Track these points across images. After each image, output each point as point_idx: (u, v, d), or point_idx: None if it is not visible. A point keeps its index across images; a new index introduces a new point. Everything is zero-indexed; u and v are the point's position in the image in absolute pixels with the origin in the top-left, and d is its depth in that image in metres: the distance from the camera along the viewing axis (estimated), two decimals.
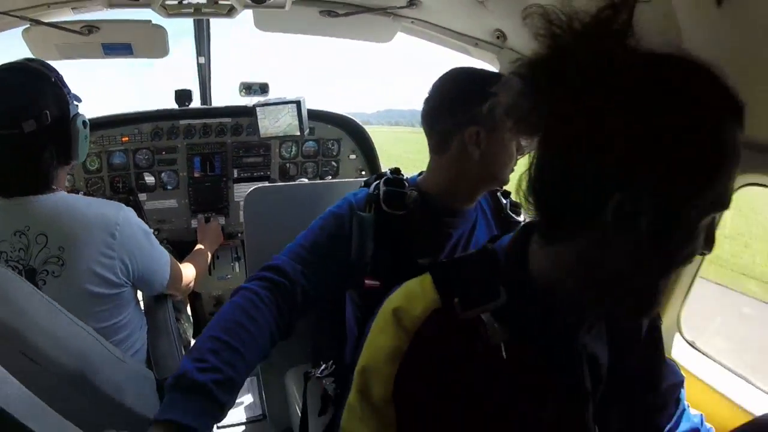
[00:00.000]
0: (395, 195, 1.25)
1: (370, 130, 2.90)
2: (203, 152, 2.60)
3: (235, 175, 2.69)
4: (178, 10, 1.74)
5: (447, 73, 1.26)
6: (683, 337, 1.47)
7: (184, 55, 2.70)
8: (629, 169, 0.60)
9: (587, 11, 0.63)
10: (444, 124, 1.24)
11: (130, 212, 1.41)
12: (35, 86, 1.27)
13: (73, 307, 1.19)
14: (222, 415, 0.97)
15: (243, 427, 2.31)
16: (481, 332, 0.71)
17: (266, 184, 2.39)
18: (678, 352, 1.45)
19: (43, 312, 1.05)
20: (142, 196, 2.51)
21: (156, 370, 1.55)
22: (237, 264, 2.74)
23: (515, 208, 1.42)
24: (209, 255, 2.25)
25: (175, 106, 2.56)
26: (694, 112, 0.60)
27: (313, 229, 1.28)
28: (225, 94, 2.84)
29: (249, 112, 2.58)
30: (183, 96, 2.54)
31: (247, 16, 1.92)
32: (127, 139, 2.46)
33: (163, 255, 1.57)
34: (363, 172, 2.89)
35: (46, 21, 1.64)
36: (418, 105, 1.31)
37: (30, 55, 1.70)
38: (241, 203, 2.61)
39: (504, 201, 1.43)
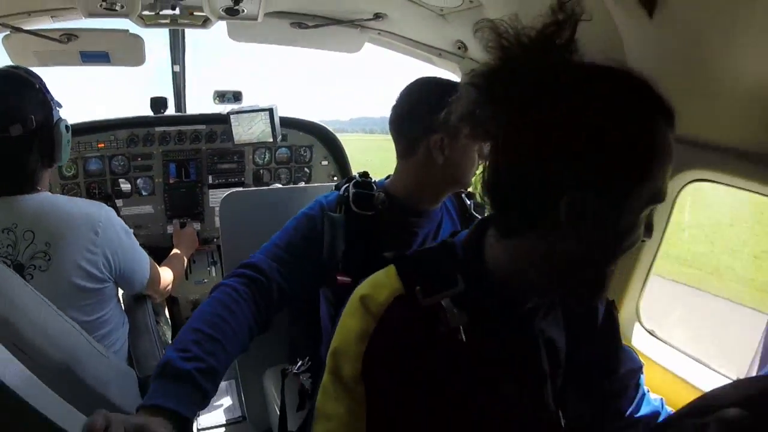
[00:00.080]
0: (364, 197, 1.32)
1: (345, 137, 2.97)
2: (178, 159, 2.64)
3: (210, 181, 2.73)
4: (155, 21, 1.81)
5: (413, 82, 1.33)
6: (642, 326, 1.53)
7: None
8: (576, 173, 0.68)
9: (534, 27, 0.69)
10: (410, 131, 1.31)
11: (111, 212, 1.47)
12: (21, 93, 1.33)
13: (60, 300, 1.24)
14: (204, 403, 0.99)
15: (223, 429, 2.31)
16: (442, 317, 0.76)
17: (241, 189, 2.44)
18: (638, 340, 1.52)
19: (33, 306, 1.09)
20: (119, 202, 2.53)
21: (137, 368, 1.60)
22: (213, 268, 2.77)
23: (479, 208, 1.50)
24: (185, 260, 2.29)
25: (151, 113, 2.60)
26: (630, 120, 0.68)
27: (287, 230, 1.33)
28: (199, 102, 2.89)
29: (223, 119, 2.63)
30: (158, 103, 2.59)
31: (221, 27, 1.99)
32: (103, 145, 2.48)
33: (144, 255, 1.63)
34: (335, 178, 2.95)
35: (25, 29, 1.69)
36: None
37: (9, 62, 1.75)
38: (216, 209, 2.67)
39: (468, 202, 1.51)
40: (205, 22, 1.91)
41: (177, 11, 1.80)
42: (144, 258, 1.63)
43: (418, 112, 1.28)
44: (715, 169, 1.23)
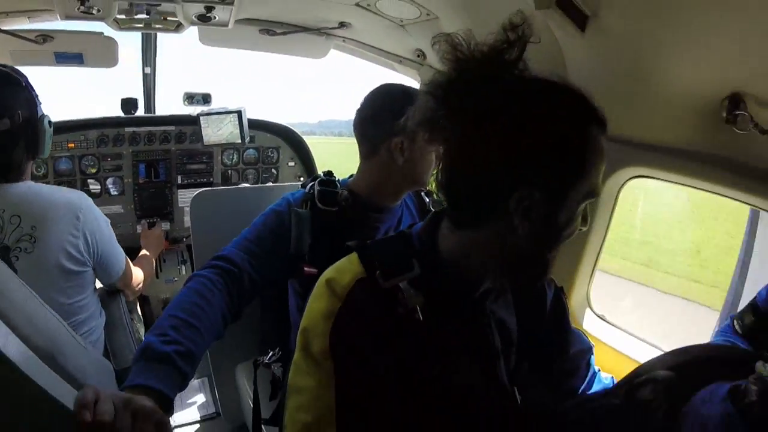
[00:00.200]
0: (328, 194, 1.40)
1: (313, 140, 3.03)
2: (148, 159, 2.67)
3: (179, 182, 2.77)
4: (129, 24, 1.87)
5: (377, 88, 1.41)
6: (593, 312, 1.64)
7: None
8: (524, 174, 0.77)
9: (486, 43, 0.78)
10: (373, 134, 1.39)
11: (90, 201, 1.56)
12: (8, 90, 1.42)
13: (43, 281, 1.33)
14: (184, 385, 1.04)
15: (197, 426, 2.34)
16: (400, 298, 0.83)
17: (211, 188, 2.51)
18: (589, 324, 1.62)
19: (20, 294, 1.11)
20: None
21: (114, 361, 1.66)
22: (183, 267, 2.81)
23: (437, 205, 1.58)
24: (153, 261, 2.35)
25: (121, 114, 2.63)
26: (568, 127, 0.78)
27: (256, 225, 1.40)
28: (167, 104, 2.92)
29: (192, 120, 2.69)
30: (129, 104, 2.62)
31: (192, 32, 2.08)
32: (73, 145, 2.50)
33: (120, 248, 1.71)
34: (301, 179, 3.02)
35: (2, 28, 1.73)
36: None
37: None
38: (185, 208, 2.72)
39: (427, 200, 1.61)
40: (177, 27, 1.97)
41: (151, 16, 1.86)
42: (120, 251, 1.71)
43: (381, 117, 1.36)
44: (651, 166, 1.35)
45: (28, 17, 1.79)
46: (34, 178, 2.39)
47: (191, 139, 2.75)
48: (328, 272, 0.90)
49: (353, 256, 0.91)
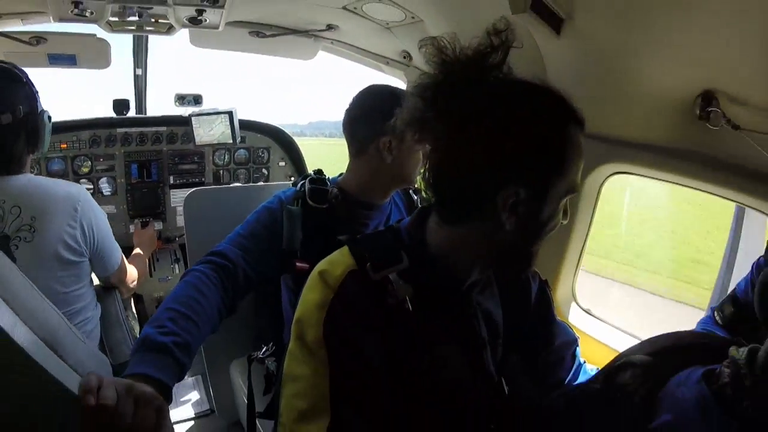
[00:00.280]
0: (319, 192, 1.42)
1: (304, 141, 3.08)
2: (140, 159, 2.69)
3: (171, 182, 2.80)
4: (121, 27, 1.90)
5: (365, 89, 1.45)
6: (578, 305, 1.68)
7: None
8: (510, 173, 0.81)
9: (470, 46, 0.81)
10: (362, 133, 1.42)
11: (89, 194, 1.61)
12: (11, 86, 1.46)
13: (41, 270, 1.37)
14: (181, 375, 1.07)
15: (192, 422, 2.35)
16: (390, 289, 0.86)
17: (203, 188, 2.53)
18: (574, 317, 1.66)
19: (21, 286, 1.17)
20: None
21: (110, 356, 1.70)
22: (176, 266, 2.84)
23: (426, 202, 1.63)
24: (146, 260, 2.38)
25: (114, 115, 2.65)
26: (549, 127, 0.81)
27: (249, 222, 1.43)
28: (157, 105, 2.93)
29: (184, 121, 2.72)
30: (121, 105, 2.64)
31: (184, 33, 2.11)
32: (65, 146, 2.51)
33: (116, 243, 1.75)
34: (291, 178, 3.04)
35: None
36: None
37: None
38: (178, 208, 2.75)
39: (415, 197, 1.64)
40: (169, 29, 2.01)
41: (143, 18, 1.89)
42: (116, 246, 1.75)
43: (369, 117, 1.39)
44: (631, 162, 1.38)
45: (22, 19, 1.81)
46: None
47: (183, 140, 2.78)
48: (321, 264, 0.93)
49: (345, 249, 0.94)
